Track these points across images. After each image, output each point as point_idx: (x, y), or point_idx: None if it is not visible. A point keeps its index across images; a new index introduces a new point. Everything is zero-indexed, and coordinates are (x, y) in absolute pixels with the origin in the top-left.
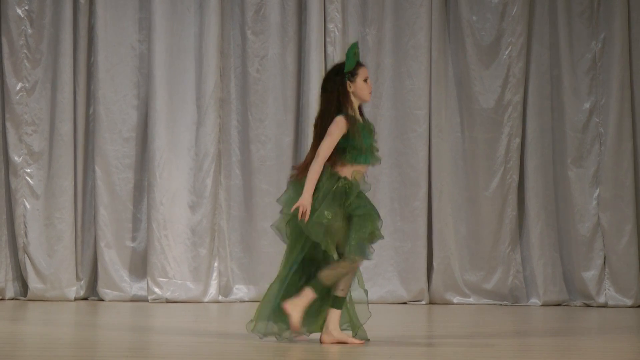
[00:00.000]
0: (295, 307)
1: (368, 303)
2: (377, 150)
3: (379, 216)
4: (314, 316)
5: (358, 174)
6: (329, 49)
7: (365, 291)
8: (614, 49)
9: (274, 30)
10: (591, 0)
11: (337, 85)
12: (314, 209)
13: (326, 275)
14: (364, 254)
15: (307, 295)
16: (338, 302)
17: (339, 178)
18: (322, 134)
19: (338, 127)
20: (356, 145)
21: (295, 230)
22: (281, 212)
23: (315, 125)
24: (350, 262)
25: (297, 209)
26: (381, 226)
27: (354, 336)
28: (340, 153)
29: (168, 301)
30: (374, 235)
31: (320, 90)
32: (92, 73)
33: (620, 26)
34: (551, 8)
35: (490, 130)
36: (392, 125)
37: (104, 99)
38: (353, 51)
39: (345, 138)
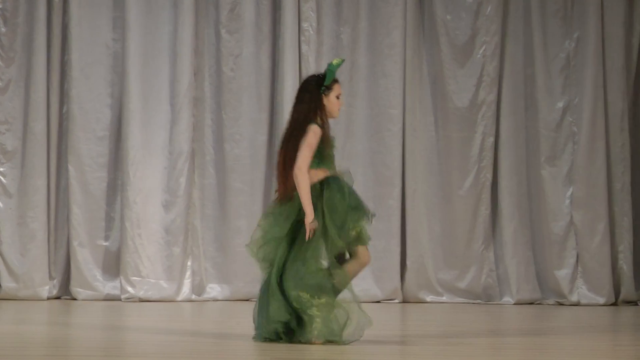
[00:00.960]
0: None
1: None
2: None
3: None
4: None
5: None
6: (304, 47)
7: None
8: (587, 48)
9: (249, 29)
10: (565, 0)
11: (313, 96)
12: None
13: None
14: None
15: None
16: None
17: (314, 185)
18: (293, 143)
19: (316, 137)
20: (323, 155)
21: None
22: (260, 237)
23: (287, 134)
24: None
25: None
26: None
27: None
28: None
29: (141, 300)
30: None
31: (294, 100)
32: (66, 72)
33: (594, 25)
34: (525, 7)
35: (464, 129)
36: (366, 124)
37: (77, 97)
38: (337, 67)
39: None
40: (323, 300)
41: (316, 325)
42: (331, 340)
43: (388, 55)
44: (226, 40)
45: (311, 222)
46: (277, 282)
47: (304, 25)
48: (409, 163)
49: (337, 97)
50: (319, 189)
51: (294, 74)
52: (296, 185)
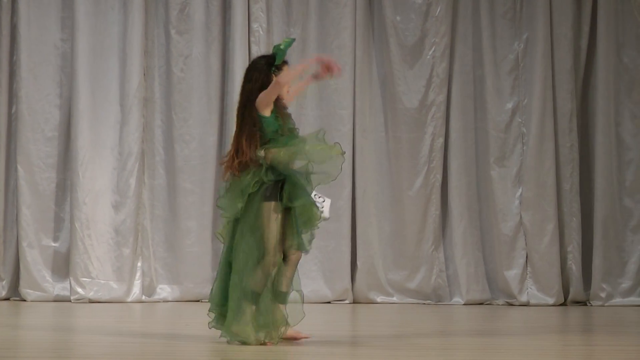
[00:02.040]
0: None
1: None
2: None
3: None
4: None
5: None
6: (254, 48)
7: (300, 292)
8: (536, 49)
9: (198, 29)
10: (514, 1)
11: (262, 75)
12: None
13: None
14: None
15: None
16: (284, 299)
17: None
18: (245, 123)
19: (280, 85)
20: (270, 129)
21: (231, 230)
22: (222, 215)
23: (238, 116)
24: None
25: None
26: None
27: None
28: (260, 136)
29: (91, 301)
30: None
31: (243, 80)
32: (15, 72)
33: (542, 27)
34: (474, 9)
35: (414, 130)
36: (316, 124)
37: (26, 98)
38: (288, 47)
39: (263, 120)
40: (244, 302)
41: (227, 324)
42: (240, 340)
43: (338, 56)
44: (176, 41)
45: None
46: (226, 265)
47: (254, 25)
48: (358, 164)
49: (287, 91)
50: (272, 181)
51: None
52: (287, 79)
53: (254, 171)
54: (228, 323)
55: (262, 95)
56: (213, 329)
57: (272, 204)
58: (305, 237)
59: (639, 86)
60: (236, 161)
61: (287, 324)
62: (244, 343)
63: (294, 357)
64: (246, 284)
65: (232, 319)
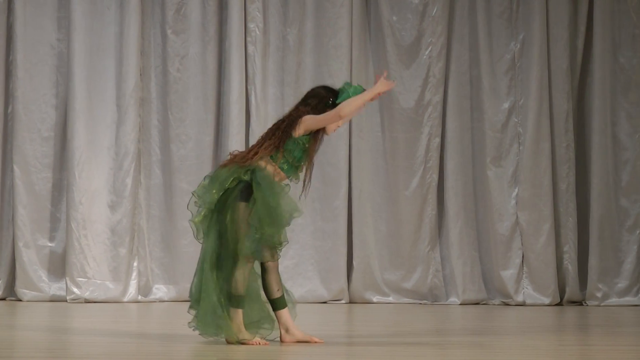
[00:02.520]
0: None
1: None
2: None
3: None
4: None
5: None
6: (250, 48)
7: (289, 292)
8: (532, 49)
9: (195, 29)
10: (510, 1)
11: (319, 104)
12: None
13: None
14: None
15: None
16: (280, 303)
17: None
18: (275, 136)
19: (339, 117)
20: (290, 153)
21: (210, 226)
22: (195, 203)
23: (272, 127)
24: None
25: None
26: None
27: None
28: (276, 150)
29: (87, 301)
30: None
31: (300, 100)
32: (11, 72)
33: (539, 27)
34: (471, 8)
35: (410, 130)
36: None
37: (22, 98)
38: (356, 93)
39: (293, 140)
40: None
41: (199, 318)
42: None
43: (334, 56)
44: (172, 41)
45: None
46: (212, 265)
47: (251, 25)
48: (355, 163)
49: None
50: (248, 181)
51: (240, 74)
52: (349, 113)
53: (235, 168)
54: (208, 322)
55: (314, 117)
56: (193, 328)
57: (244, 204)
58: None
59: (635, 86)
60: (240, 157)
61: (273, 321)
62: (236, 342)
63: (290, 356)
64: (229, 288)
65: (210, 319)
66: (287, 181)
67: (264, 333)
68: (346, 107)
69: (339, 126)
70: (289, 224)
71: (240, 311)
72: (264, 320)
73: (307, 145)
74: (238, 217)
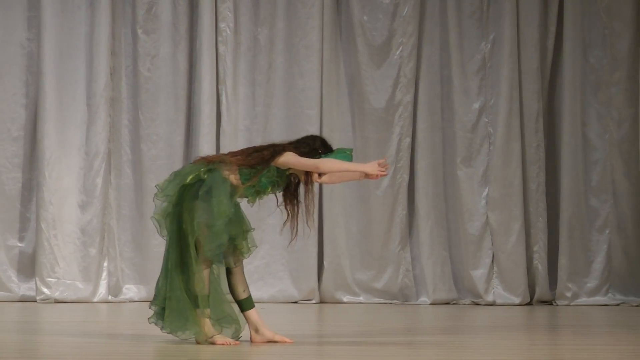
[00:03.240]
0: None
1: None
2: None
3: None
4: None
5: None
6: (221, 48)
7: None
8: (503, 49)
9: (166, 29)
10: (481, 1)
11: (309, 151)
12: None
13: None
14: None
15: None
16: (247, 304)
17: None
18: (255, 155)
19: (316, 168)
20: (260, 182)
21: (173, 223)
22: (156, 195)
23: (263, 145)
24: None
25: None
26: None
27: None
28: (247, 172)
29: (57, 301)
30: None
31: (294, 140)
32: None
33: (509, 27)
34: (442, 9)
35: (381, 130)
36: (283, 124)
37: None
38: (342, 155)
39: (266, 170)
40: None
41: (166, 316)
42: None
43: (305, 55)
44: (143, 41)
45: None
46: (176, 264)
47: (221, 25)
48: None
49: (318, 175)
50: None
51: (211, 74)
52: (326, 169)
53: (199, 165)
54: (174, 320)
55: (295, 156)
56: (153, 324)
57: (203, 204)
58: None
59: (605, 86)
60: (210, 157)
61: (239, 321)
62: (206, 342)
63: (259, 356)
64: (194, 289)
65: (176, 317)
66: (244, 199)
67: (231, 332)
68: (326, 163)
69: (317, 181)
70: (223, 238)
71: (207, 311)
72: (230, 319)
73: (276, 178)
74: (196, 218)
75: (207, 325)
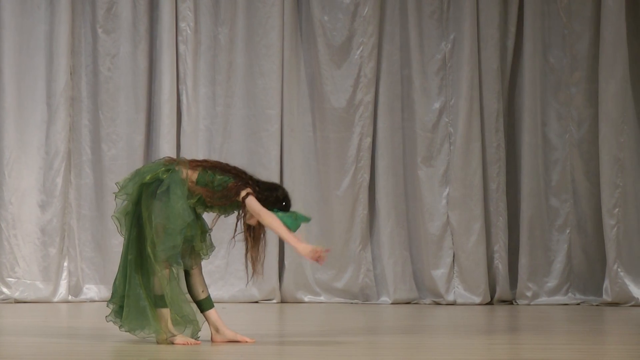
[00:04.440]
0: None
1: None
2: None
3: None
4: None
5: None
6: (181, 47)
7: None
8: (463, 49)
9: (125, 28)
10: (441, 2)
11: (266, 200)
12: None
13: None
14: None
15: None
16: (207, 304)
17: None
18: (222, 191)
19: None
20: (213, 194)
21: (132, 221)
22: (116, 194)
23: (223, 166)
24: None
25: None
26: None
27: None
28: (211, 176)
29: (17, 301)
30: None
31: (267, 182)
32: None
33: (469, 27)
34: (402, 9)
35: (342, 130)
36: (244, 124)
37: None
38: (294, 221)
39: (223, 191)
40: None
41: (124, 315)
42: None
43: (266, 55)
44: (103, 40)
45: (305, 249)
46: (135, 263)
47: (182, 25)
48: (286, 163)
49: (259, 226)
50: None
51: (171, 73)
52: (268, 224)
53: (159, 164)
54: (132, 319)
55: (255, 204)
56: (111, 322)
57: (159, 204)
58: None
59: (565, 86)
60: (172, 158)
61: (197, 322)
62: (166, 342)
63: (220, 356)
64: (154, 288)
65: (135, 316)
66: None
67: (190, 332)
68: (270, 219)
69: (250, 222)
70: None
71: (166, 311)
72: (188, 319)
73: (228, 207)
74: (152, 219)
75: (168, 324)
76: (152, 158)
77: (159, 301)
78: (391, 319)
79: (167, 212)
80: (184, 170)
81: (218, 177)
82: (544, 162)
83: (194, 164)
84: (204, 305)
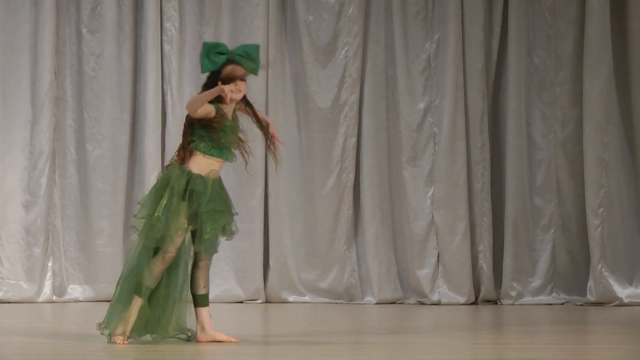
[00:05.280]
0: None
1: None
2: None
3: (231, 212)
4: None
5: (213, 173)
6: (166, 47)
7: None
8: (448, 49)
9: (110, 28)
10: (426, 2)
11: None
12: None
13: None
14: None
15: (135, 303)
16: (203, 300)
17: (190, 177)
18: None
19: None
20: (213, 137)
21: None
22: (135, 216)
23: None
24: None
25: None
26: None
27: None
28: (195, 143)
29: (1, 302)
30: (225, 230)
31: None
32: None
33: (454, 27)
34: (387, 9)
35: (327, 130)
36: None
37: None
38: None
39: (205, 127)
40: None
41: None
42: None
43: None
44: (87, 40)
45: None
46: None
47: (167, 24)
48: (271, 163)
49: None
50: (185, 182)
51: (156, 73)
52: (192, 112)
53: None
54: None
55: (192, 99)
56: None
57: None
58: (210, 243)
59: (550, 86)
60: None
61: (188, 330)
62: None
63: (205, 356)
64: (141, 276)
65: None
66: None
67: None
68: (190, 102)
69: (234, 98)
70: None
71: (140, 300)
72: (177, 326)
73: (226, 126)
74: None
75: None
76: (136, 158)
77: (140, 289)
78: (376, 319)
79: (152, 204)
80: (178, 160)
81: (196, 129)
82: (528, 162)
83: (180, 155)
84: (200, 300)
